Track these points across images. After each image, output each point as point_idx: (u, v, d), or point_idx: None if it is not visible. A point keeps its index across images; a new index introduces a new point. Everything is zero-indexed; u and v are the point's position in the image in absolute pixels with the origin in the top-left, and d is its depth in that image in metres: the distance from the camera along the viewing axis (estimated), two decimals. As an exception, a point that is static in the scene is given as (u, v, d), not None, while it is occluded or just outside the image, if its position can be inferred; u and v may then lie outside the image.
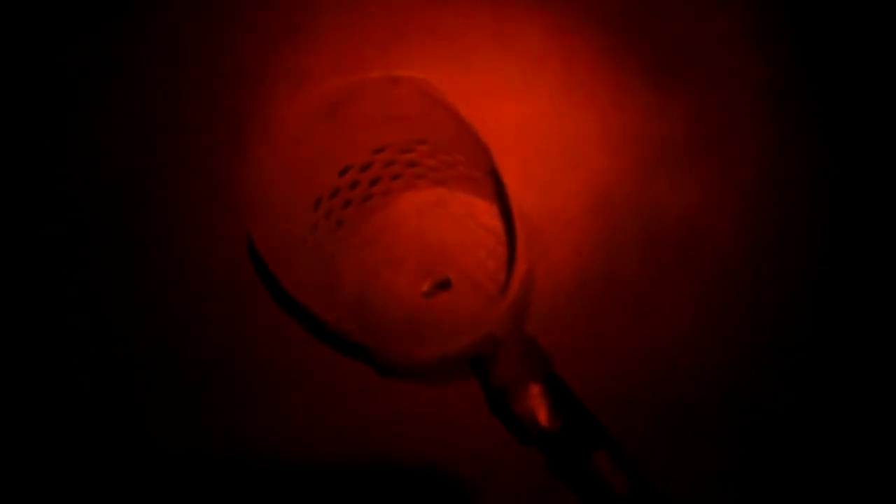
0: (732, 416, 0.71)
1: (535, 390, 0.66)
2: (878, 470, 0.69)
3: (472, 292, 0.74)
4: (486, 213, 0.76)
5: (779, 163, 0.77)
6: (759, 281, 0.74)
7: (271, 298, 0.73)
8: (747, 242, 0.75)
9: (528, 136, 0.78)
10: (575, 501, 0.68)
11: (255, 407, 0.72)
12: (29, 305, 0.75)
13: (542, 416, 0.65)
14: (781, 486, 0.69)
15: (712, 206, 0.76)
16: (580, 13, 0.81)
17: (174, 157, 0.79)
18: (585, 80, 0.80)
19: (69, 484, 0.71)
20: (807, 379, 0.72)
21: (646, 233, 0.76)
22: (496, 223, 0.76)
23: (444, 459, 0.71)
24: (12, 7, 0.83)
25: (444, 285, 0.74)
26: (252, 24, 0.81)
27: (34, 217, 0.78)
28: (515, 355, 0.66)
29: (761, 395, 0.71)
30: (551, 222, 0.76)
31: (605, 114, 0.79)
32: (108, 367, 0.74)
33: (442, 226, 0.76)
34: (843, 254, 0.75)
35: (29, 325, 0.75)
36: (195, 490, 0.70)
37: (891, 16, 0.80)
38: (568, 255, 0.76)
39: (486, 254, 0.75)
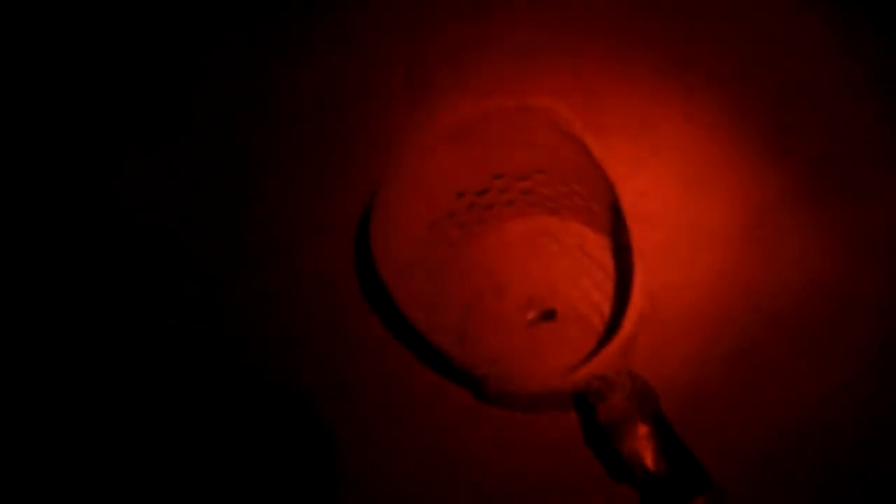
0: (835, 470, 0.69)
1: (643, 431, 0.65)
2: None
3: (576, 324, 0.74)
4: (597, 245, 0.75)
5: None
6: (871, 337, 0.72)
7: (376, 318, 0.74)
8: (863, 297, 0.73)
9: (644, 169, 0.78)
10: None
11: (356, 425, 0.72)
12: (143, 307, 0.77)
13: (649, 458, 0.64)
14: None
15: (829, 258, 0.74)
16: (703, 49, 0.81)
17: (287, 170, 0.80)
18: (705, 115, 0.79)
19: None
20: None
21: (759, 276, 0.74)
22: (605, 256, 0.75)
23: (534, 489, 0.70)
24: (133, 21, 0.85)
25: (549, 315, 0.74)
26: (379, 42, 0.82)
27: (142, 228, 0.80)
28: (624, 394, 0.65)
29: (874, 452, 0.69)
30: (662, 259, 0.75)
31: (724, 150, 0.78)
32: (214, 382, 0.75)
33: (551, 255, 0.76)
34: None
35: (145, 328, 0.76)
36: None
37: None
38: (677, 294, 0.74)
39: (592, 286, 0.75)
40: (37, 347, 0.75)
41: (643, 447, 0.65)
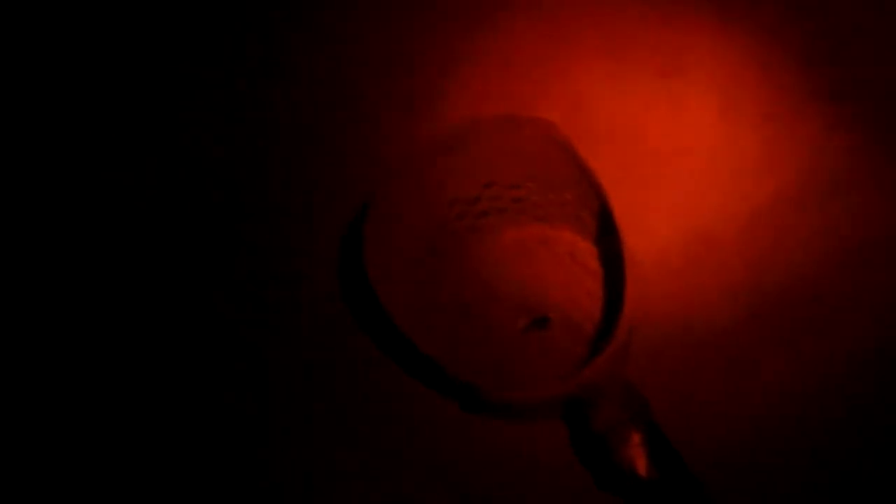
0: (831, 479, 0.69)
1: (636, 439, 0.65)
2: None
3: (568, 332, 0.74)
4: (588, 253, 0.75)
5: None
6: (868, 339, 0.72)
7: (361, 329, 0.73)
8: (857, 300, 0.74)
9: (636, 179, 0.78)
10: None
11: (342, 439, 0.72)
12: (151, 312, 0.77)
13: (641, 466, 0.64)
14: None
15: (822, 260, 0.75)
16: (693, 59, 0.81)
17: (280, 178, 0.80)
18: (695, 126, 0.79)
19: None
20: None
21: (752, 285, 0.74)
22: (596, 264, 0.75)
23: (523, 499, 0.70)
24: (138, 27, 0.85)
25: (541, 323, 0.74)
26: (368, 52, 0.83)
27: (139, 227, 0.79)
28: (617, 402, 0.66)
29: (866, 460, 0.69)
30: (655, 267, 0.75)
31: (714, 160, 0.78)
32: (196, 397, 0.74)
33: (543, 263, 0.76)
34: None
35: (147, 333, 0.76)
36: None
37: None
38: (669, 302, 0.74)
39: (584, 294, 0.75)
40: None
41: (636, 455, 0.65)
